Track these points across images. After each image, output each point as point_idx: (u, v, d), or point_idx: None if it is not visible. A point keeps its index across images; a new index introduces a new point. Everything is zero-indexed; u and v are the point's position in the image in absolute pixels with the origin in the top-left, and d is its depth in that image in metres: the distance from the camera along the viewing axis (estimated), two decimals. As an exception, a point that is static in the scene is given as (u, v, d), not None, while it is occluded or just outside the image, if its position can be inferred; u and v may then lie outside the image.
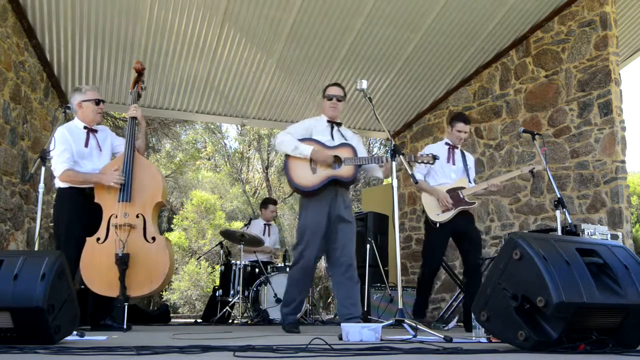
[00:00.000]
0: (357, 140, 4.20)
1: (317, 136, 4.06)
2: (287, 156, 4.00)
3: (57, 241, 4.25)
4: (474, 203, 4.84)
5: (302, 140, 4.00)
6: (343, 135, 4.14)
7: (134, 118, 4.31)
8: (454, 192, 4.79)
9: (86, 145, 4.28)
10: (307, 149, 3.93)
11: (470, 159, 5.13)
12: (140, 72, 4.46)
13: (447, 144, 5.00)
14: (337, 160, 3.98)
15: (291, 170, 3.97)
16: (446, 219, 4.73)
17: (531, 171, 4.80)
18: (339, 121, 4.22)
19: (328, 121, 4.16)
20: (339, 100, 4.14)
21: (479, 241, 4.94)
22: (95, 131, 4.37)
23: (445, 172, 4.90)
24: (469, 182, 4.95)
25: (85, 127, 4.33)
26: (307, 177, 3.93)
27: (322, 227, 3.93)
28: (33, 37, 5.96)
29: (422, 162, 4.03)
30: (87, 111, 4.32)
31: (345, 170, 3.96)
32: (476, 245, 4.86)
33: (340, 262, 3.95)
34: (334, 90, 4.20)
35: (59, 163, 4.10)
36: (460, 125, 4.95)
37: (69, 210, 4.18)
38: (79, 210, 4.15)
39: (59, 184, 4.23)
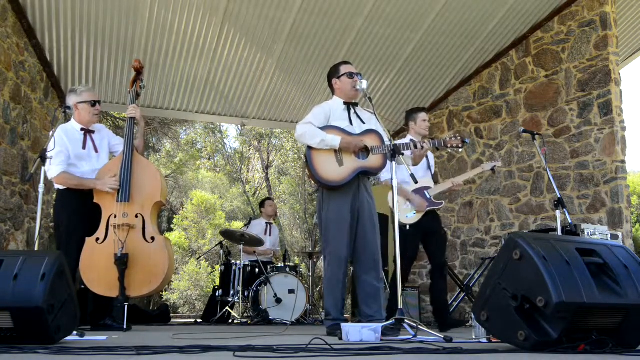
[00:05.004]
0: (375, 123, 3.85)
1: (336, 122, 3.71)
2: (310, 148, 3.63)
3: (57, 242, 4.25)
4: (441, 203, 4.82)
5: (323, 128, 3.64)
6: (360, 118, 3.80)
7: (132, 118, 4.29)
8: (419, 193, 4.74)
9: (84, 147, 4.27)
10: (335, 140, 3.57)
11: (431, 157, 5.02)
12: (138, 71, 4.43)
13: (411, 140, 4.77)
14: (365, 149, 3.68)
15: (316, 164, 3.61)
16: (415, 220, 4.68)
17: (492, 169, 4.90)
18: (356, 101, 3.88)
19: (344, 103, 3.82)
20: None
21: (444, 242, 4.92)
22: (92, 132, 4.36)
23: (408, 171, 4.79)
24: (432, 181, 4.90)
25: (82, 129, 4.31)
26: (334, 170, 3.60)
27: (347, 221, 3.61)
28: (33, 37, 5.96)
29: (452, 147, 3.88)
30: (83, 113, 4.30)
31: (374, 160, 3.67)
32: (442, 246, 4.86)
33: (364, 258, 3.66)
34: (352, 68, 3.84)
35: (54, 165, 4.08)
36: (423, 115, 4.88)
37: (69, 211, 4.18)
38: (79, 211, 4.15)
39: (58, 185, 4.23)
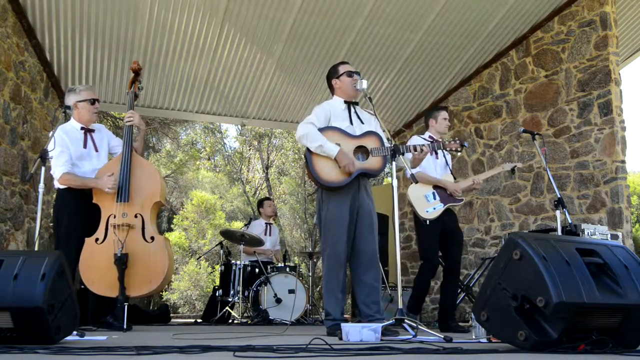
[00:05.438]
0: (375, 123, 3.87)
1: (336, 122, 3.73)
2: (310, 149, 3.65)
3: (57, 242, 4.25)
4: (462, 200, 4.78)
5: (323, 129, 3.66)
6: (360, 118, 3.82)
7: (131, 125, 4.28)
8: (441, 188, 4.71)
9: (84, 146, 4.28)
10: (333, 150, 3.58)
11: (448, 154, 5.01)
12: (137, 72, 4.43)
13: (430, 137, 4.83)
14: (364, 151, 3.70)
15: (315, 165, 3.62)
16: (436, 215, 4.62)
17: (513, 169, 4.90)
18: (356, 100, 3.90)
19: (345, 102, 3.84)
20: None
21: (462, 241, 4.87)
22: (92, 131, 4.36)
23: (431, 166, 4.77)
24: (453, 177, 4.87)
25: (82, 128, 4.32)
26: (333, 171, 3.61)
27: (346, 221, 3.62)
28: (33, 37, 5.96)
29: (451, 150, 3.89)
30: (83, 112, 4.31)
31: (373, 162, 3.68)
32: (459, 245, 4.80)
33: (363, 259, 3.66)
34: (351, 67, 3.88)
35: (57, 166, 4.09)
36: (444, 114, 4.91)
37: (68, 211, 4.18)
38: (78, 211, 4.15)
39: (58, 184, 4.23)
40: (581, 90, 6.11)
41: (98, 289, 3.96)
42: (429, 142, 4.12)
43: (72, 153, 4.19)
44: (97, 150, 4.34)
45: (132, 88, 4.42)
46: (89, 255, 3.98)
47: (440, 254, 4.97)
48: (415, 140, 4.73)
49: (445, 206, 4.66)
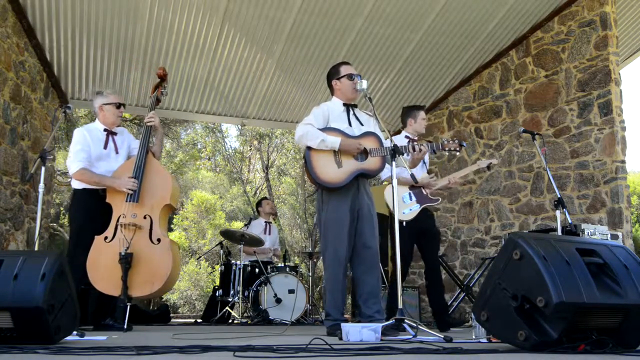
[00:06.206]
0: (374, 124, 3.88)
1: (334, 123, 3.73)
2: (309, 149, 3.62)
3: (70, 242, 4.32)
4: (438, 200, 4.75)
5: (323, 130, 3.65)
6: (358, 119, 3.82)
7: (150, 126, 4.36)
8: (417, 189, 4.68)
9: (105, 147, 4.36)
10: (335, 141, 3.59)
11: (427, 156, 4.97)
12: (162, 78, 4.55)
13: (406, 137, 4.81)
14: (363, 151, 3.70)
15: (315, 165, 3.61)
16: (412, 217, 4.58)
17: (488, 166, 4.92)
18: (355, 102, 3.89)
19: (344, 104, 3.83)
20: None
21: (439, 240, 4.87)
22: (115, 134, 4.46)
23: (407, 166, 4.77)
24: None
25: (105, 130, 4.41)
26: (332, 172, 3.61)
27: (346, 222, 3.61)
28: (33, 37, 5.96)
29: (450, 150, 3.88)
30: (108, 114, 4.43)
31: (372, 163, 3.69)
32: (436, 244, 4.80)
33: (363, 259, 3.66)
34: (352, 69, 3.86)
35: (75, 161, 4.18)
36: (423, 114, 4.91)
37: (82, 212, 4.25)
38: (92, 212, 4.21)
39: (74, 185, 4.30)
40: (581, 90, 6.11)
41: (102, 287, 3.99)
42: (428, 142, 4.12)
43: (92, 152, 4.27)
44: (117, 152, 4.42)
45: (155, 92, 4.54)
46: (97, 253, 4.02)
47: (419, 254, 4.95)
48: (396, 140, 4.69)
49: (422, 207, 4.63)
